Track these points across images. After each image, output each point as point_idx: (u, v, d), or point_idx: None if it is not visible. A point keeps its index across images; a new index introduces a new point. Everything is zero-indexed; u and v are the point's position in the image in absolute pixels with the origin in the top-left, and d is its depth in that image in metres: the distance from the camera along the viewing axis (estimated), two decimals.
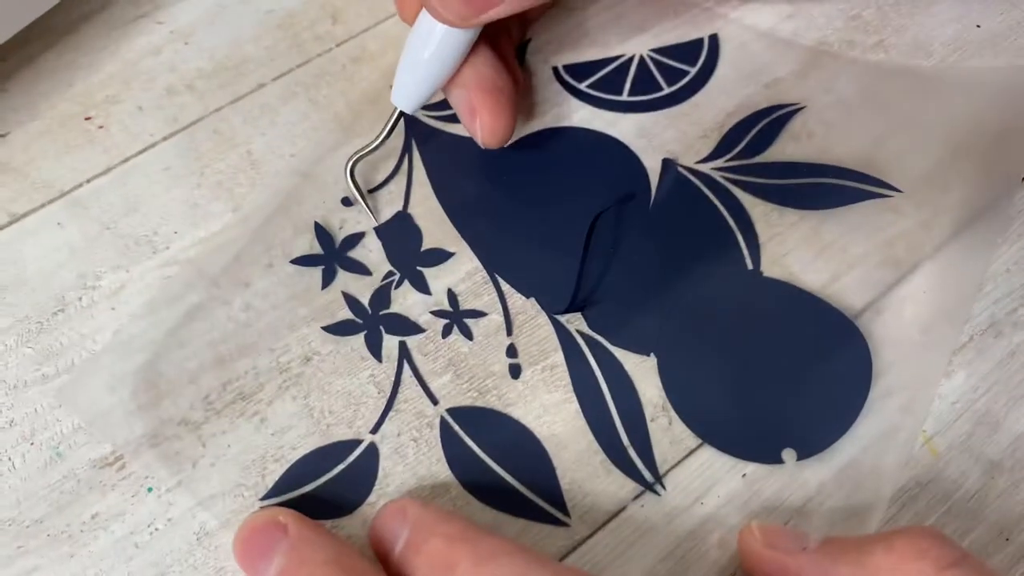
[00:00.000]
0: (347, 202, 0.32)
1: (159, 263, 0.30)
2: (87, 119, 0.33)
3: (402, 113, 0.30)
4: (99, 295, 0.30)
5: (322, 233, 0.31)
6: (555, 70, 0.35)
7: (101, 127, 0.33)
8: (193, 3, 0.36)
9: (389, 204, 0.32)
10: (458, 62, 0.29)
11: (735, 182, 0.32)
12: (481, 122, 0.30)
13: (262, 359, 0.29)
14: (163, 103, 0.34)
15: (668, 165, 0.32)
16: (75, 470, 0.27)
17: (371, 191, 0.32)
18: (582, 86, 0.35)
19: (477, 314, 0.30)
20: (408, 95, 0.30)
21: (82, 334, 0.29)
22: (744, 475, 0.28)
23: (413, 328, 0.29)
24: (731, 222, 0.31)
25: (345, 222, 0.31)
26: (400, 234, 0.31)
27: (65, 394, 0.28)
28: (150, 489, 0.27)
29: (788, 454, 0.27)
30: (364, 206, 0.31)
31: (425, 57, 0.29)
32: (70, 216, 0.31)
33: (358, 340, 0.29)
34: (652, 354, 0.29)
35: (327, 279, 0.30)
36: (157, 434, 0.28)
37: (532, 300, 0.30)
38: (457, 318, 0.30)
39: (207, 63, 0.35)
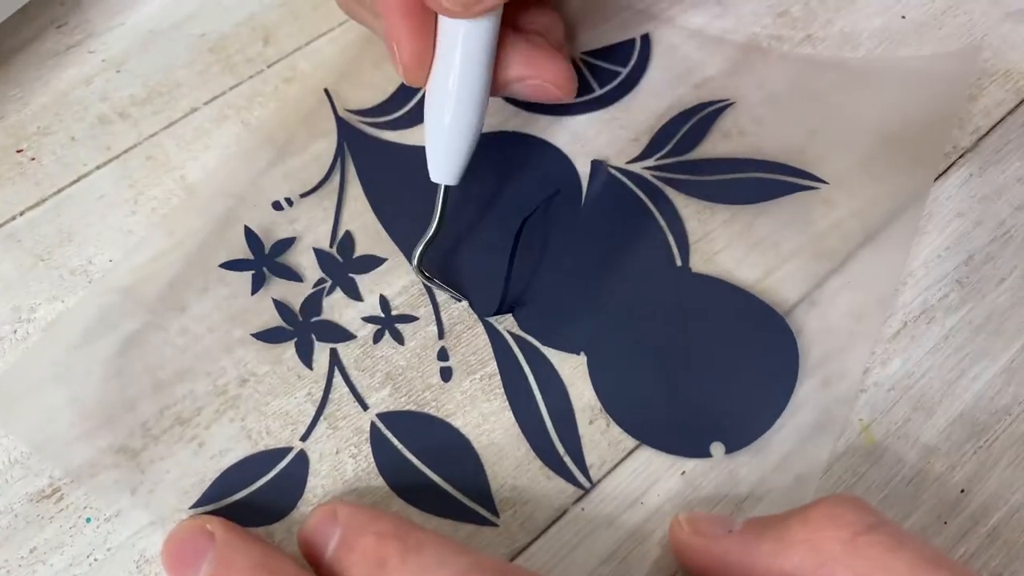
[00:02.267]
0: (277, 206, 0.32)
1: (95, 292, 0.30)
2: (19, 151, 0.33)
3: (447, 188, 0.29)
4: (34, 327, 0.30)
5: (252, 238, 0.31)
6: None
7: (33, 159, 0.33)
8: (125, 31, 0.36)
9: (321, 208, 0.32)
10: (482, 111, 0.28)
11: (665, 180, 0.32)
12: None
13: (199, 383, 0.29)
14: (96, 132, 0.34)
15: (597, 166, 0.32)
16: (12, 505, 0.27)
17: (303, 195, 0.32)
18: None
19: (408, 319, 0.30)
20: (445, 166, 0.28)
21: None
22: (683, 473, 0.28)
23: (344, 335, 0.29)
24: (660, 220, 0.31)
25: (275, 227, 0.31)
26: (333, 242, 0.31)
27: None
28: (88, 519, 0.27)
29: (716, 447, 0.28)
30: (446, 292, 0.30)
31: (447, 121, 0.27)
32: (3, 250, 0.31)
33: (290, 354, 0.29)
34: (582, 353, 0.29)
35: (257, 284, 0.30)
36: (95, 463, 0.28)
37: (467, 307, 0.30)
38: (388, 323, 0.30)
39: (139, 90, 0.35)
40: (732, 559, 0.23)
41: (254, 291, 0.30)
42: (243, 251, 0.31)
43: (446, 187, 0.29)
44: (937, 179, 0.33)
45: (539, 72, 0.30)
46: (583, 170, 0.33)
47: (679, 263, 0.31)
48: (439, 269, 0.31)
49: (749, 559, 0.23)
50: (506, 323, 0.30)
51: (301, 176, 0.32)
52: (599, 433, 0.28)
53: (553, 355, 0.29)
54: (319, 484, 0.27)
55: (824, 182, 0.32)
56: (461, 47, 0.27)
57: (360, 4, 0.30)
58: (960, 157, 0.33)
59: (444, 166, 0.28)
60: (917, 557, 0.21)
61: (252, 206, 0.32)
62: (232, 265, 0.30)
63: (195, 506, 0.27)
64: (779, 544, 0.23)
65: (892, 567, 0.21)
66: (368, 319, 0.30)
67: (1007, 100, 0.34)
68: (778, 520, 0.23)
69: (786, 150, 0.33)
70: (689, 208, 0.32)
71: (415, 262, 0.29)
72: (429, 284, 0.30)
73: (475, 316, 0.30)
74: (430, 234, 0.29)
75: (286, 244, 0.31)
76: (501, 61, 0.29)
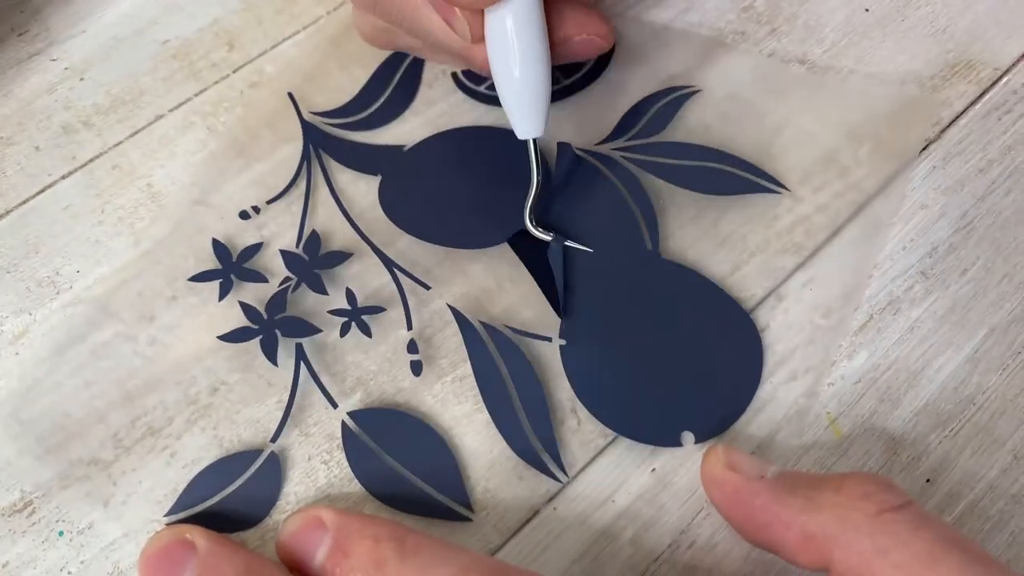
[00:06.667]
0: (245, 215, 0.32)
1: (63, 303, 0.30)
2: None
3: (535, 141, 0.30)
4: (1, 340, 0.30)
5: (220, 248, 0.31)
6: (454, 76, 0.35)
7: None
8: (87, 37, 0.36)
9: (288, 213, 0.32)
10: (547, 56, 0.29)
11: (633, 161, 0.32)
12: None
13: (170, 393, 0.29)
14: (60, 142, 0.33)
15: (564, 148, 0.33)
16: None
17: (270, 201, 0.32)
18: (481, 88, 0.35)
19: (375, 310, 0.30)
20: (527, 119, 0.29)
21: None
22: (653, 469, 0.28)
23: (309, 329, 0.29)
24: (630, 201, 0.32)
25: (244, 234, 0.31)
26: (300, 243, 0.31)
27: None
28: (61, 533, 0.27)
29: (687, 437, 0.28)
30: (569, 243, 0.31)
31: (517, 74, 0.29)
32: None
33: (260, 360, 0.29)
34: (554, 338, 0.29)
35: (224, 291, 0.30)
36: (67, 476, 0.27)
37: (439, 308, 0.30)
38: (355, 315, 0.30)
39: (103, 98, 0.34)
40: (759, 502, 0.24)
41: (221, 297, 0.30)
42: (211, 260, 0.31)
43: (535, 140, 0.30)
44: (901, 171, 0.33)
45: (585, 28, 0.31)
46: (551, 155, 0.33)
47: (650, 247, 0.31)
48: (410, 258, 0.31)
49: (776, 507, 0.24)
50: (481, 315, 0.30)
51: (268, 181, 0.32)
52: (570, 433, 0.28)
53: (524, 344, 0.29)
54: (292, 491, 0.27)
55: (786, 188, 0.32)
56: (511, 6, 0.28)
57: (399, 22, 0.31)
58: (923, 149, 0.33)
59: (526, 120, 0.30)
60: (938, 537, 0.22)
61: (219, 216, 0.32)
62: (200, 277, 0.30)
63: (168, 514, 0.27)
64: (808, 502, 0.23)
65: (912, 544, 0.22)
66: (334, 312, 0.30)
67: (969, 92, 0.34)
68: (811, 480, 0.24)
69: (751, 145, 0.33)
70: (660, 203, 0.32)
71: (527, 217, 0.30)
72: (546, 237, 0.30)
73: (445, 319, 0.30)
74: (534, 189, 0.30)
75: (253, 250, 0.31)
76: (550, 25, 0.30)
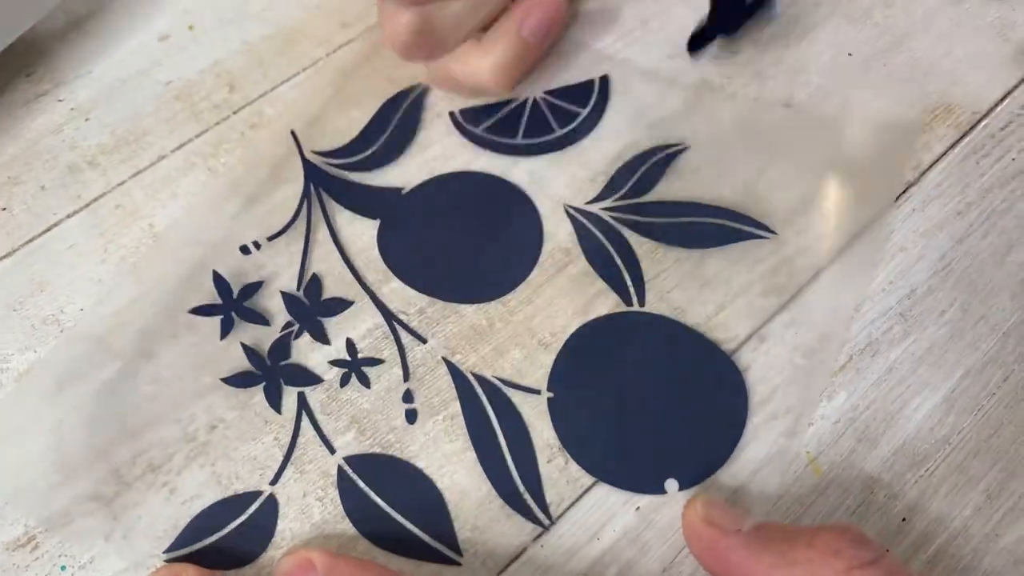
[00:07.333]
0: (245, 250, 0.33)
1: (66, 341, 0.31)
2: None
3: None
4: (7, 378, 0.31)
5: (220, 282, 0.32)
6: (452, 115, 0.36)
7: (4, 209, 0.34)
8: (93, 78, 0.37)
9: (288, 252, 0.33)
10: None
11: (622, 221, 0.33)
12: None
13: (169, 430, 0.30)
14: (66, 181, 0.34)
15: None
16: None
17: (270, 239, 0.33)
18: (478, 130, 0.36)
19: (374, 362, 0.31)
20: None
21: None
22: (638, 508, 0.29)
23: (311, 378, 0.30)
24: (618, 260, 0.33)
25: (243, 271, 0.32)
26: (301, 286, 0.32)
27: None
28: (63, 567, 0.28)
29: (671, 484, 0.29)
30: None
31: None
32: None
33: (259, 399, 0.30)
34: (542, 391, 0.30)
35: (225, 329, 0.31)
36: (69, 511, 0.28)
37: (430, 348, 0.31)
38: (355, 366, 0.31)
39: (108, 138, 0.35)
40: (733, 558, 0.25)
41: (223, 336, 0.31)
42: (212, 296, 0.32)
43: None
44: (881, 214, 0.34)
45: None
46: (544, 211, 0.34)
47: (636, 304, 0.32)
48: (404, 297, 0.32)
49: (749, 562, 0.25)
50: (468, 364, 0.31)
51: (268, 221, 0.33)
52: (557, 471, 0.29)
53: (514, 395, 0.30)
54: (287, 528, 0.28)
55: (773, 232, 0.33)
56: None
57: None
58: (903, 192, 0.34)
59: None
60: None
61: (220, 252, 0.33)
62: (201, 311, 0.31)
63: (167, 551, 0.28)
64: (780, 558, 0.24)
65: None
66: (335, 363, 0.31)
67: (948, 135, 0.35)
68: (785, 534, 0.25)
69: (736, 188, 0.34)
70: (644, 247, 0.33)
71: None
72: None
73: (436, 359, 0.31)
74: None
75: (254, 288, 0.32)
76: None
